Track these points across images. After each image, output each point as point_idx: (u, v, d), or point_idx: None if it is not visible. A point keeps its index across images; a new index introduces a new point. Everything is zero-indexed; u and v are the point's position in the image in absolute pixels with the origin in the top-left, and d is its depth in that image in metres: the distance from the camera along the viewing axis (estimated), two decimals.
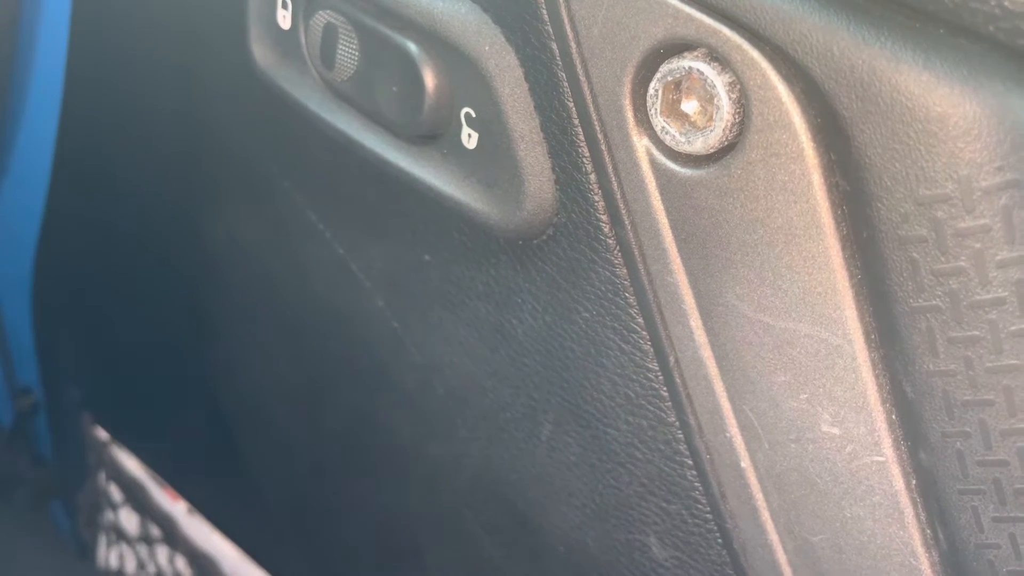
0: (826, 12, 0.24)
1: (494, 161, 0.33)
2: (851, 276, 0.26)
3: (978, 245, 0.23)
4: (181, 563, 0.69)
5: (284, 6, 0.38)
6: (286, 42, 0.38)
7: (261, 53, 0.39)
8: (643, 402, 0.34)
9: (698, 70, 0.26)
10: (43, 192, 0.62)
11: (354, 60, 0.35)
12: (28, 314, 0.71)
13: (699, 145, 0.27)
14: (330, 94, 0.37)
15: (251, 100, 0.42)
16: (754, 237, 0.27)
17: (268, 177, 0.45)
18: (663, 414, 0.33)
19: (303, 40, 0.37)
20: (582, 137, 0.31)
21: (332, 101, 0.37)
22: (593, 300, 0.34)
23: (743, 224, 0.27)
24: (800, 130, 0.25)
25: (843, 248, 0.26)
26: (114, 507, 0.74)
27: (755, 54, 0.25)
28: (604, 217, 0.32)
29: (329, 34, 0.36)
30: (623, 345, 0.33)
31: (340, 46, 0.36)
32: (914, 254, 0.24)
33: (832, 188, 0.25)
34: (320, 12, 0.36)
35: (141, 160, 0.54)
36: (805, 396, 0.28)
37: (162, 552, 0.71)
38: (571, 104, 0.30)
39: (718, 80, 0.26)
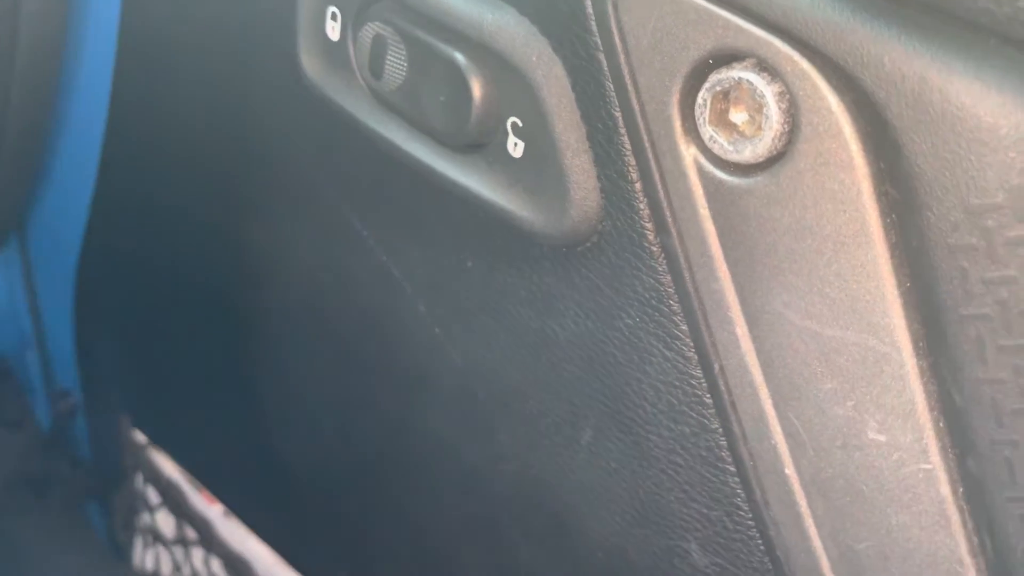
0: (877, 23, 0.24)
1: (540, 170, 0.34)
2: (899, 284, 0.26)
3: None
4: (216, 565, 0.70)
5: (333, 18, 0.39)
6: (335, 53, 0.39)
7: (310, 64, 0.40)
8: (686, 408, 0.34)
9: (748, 80, 0.26)
10: (87, 197, 0.64)
11: (402, 70, 0.36)
12: (68, 318, 0.72)
13: (747, 154, 0.27)
14: (378, 104, 0.38)
15: (299, 109, 0.43)
16: (802, 245, 0.27)
17: (313, 184, 0.46)
18: (706, 421, 0.34)
19: (352, 51, 0.38)
20: (628, 146, 0.31)
21: (380, 111, 0.38)
22: (637, 307, 0.34)
23: (791, 232, 0.27)
24: (850, 139, 0.25)
25: (892, 256, 0.26)
26: (151, 509, 0.75)
27: (805, 65, 0.25)
28: (649, 225, 0.32)
29: (378, 45, 0.37)
30: (666, 352, 0.34)
31: (389, 57, 0.36)
32: (964, 263, 0.24)
33: (882, 196, 0.26)
34: (369, 24, 0.37)
35: (187, 167, 0.55)
36: (852, 403, 0.28)
37: (198, 554, 0.72)
38: (618, 114, 0.31)
39: (768, 90, 0.26)
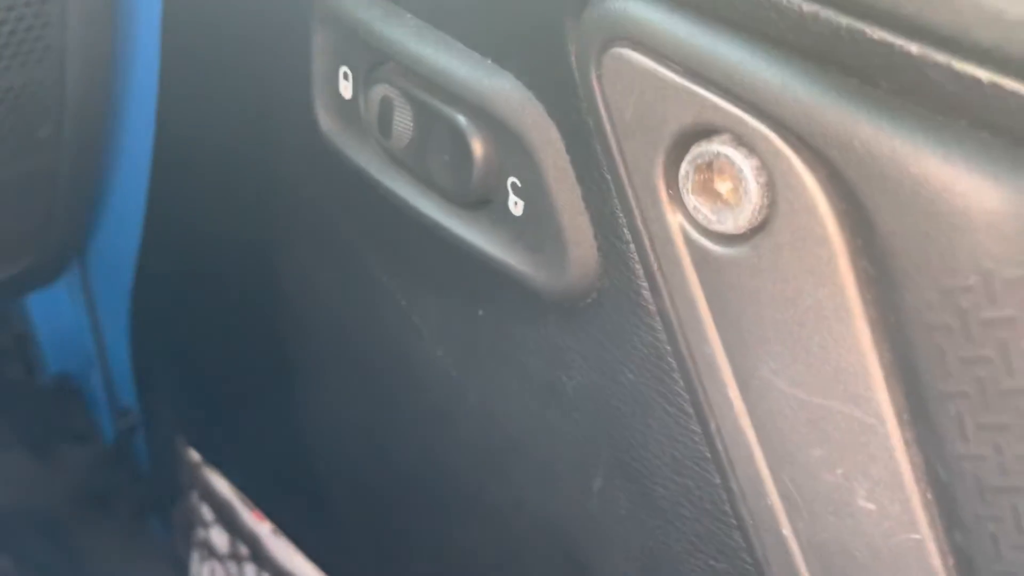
0: (847, 103, 0.24)
1: (540, 228, 0.34)
2: (881, 357, 0.26)
3: (1003, 335, 0.23)
4: None
5: (346, 77, 0.40)
6: (348, 111, 0.40)
7: (325, 120, 0.41)
8: (689, 463, 0.34)
9: (725, 154, 0.27)
10: (139, 225, 0.66)
11: (409, 130, 0.37)
12: (127, 339, 0.75)
13: (730, 225, 0.28)
14: (388, 161, 0.39)
15: (319, 162, 0.45)
16: (785, 316, 0.27)
17: (336, 232, 0.47)
18: (708, 476, 0.34)
19: (363, 109, 0.39)
20: (620, 209, 0.31)
21: (390, 167, 0.39)
22: (637, 363, 0.34)
23: (774, 302, 0.28)
24: (825, 215, 0.25)
25: (872, 330, 0.26)
26: (206, 525, 0.77)
27: (779, 142, 0.25)
28: (644, 285, 0.32)
29: (386, 106, 0.38)
30: (668, 407, 0.34)
31: (396, 116, 0.37)
32: (940, 341, 0.24)
33: (860, 272, 0.25)
34: (378, 85, 0.38)
35: (225, 207, 0.57)
36: (841, 471, 0.28)
37: (250, 569, 0.74)
38: (609, 177, 0.31)
39: (745, 164, 0.26)
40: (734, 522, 0.34)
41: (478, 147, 0.35)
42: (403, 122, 0.37)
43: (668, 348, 0.33)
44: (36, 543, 0.81)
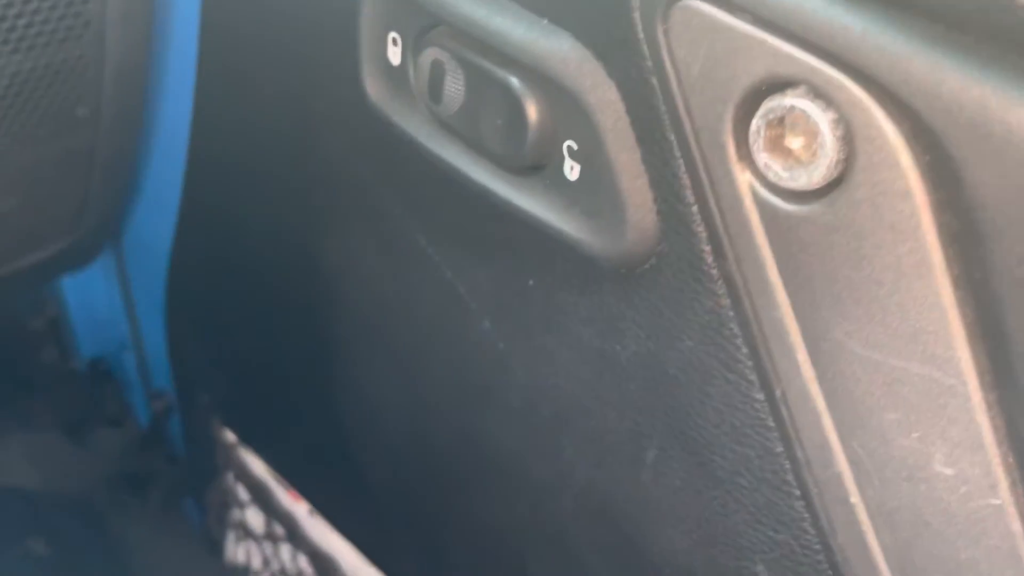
0: (933, 51, 0.23)
1: (596, 192, 0.34)
2: (963, 316, 0.25)
3: None
4: (303, 561, 0.72)
5: (394, 43, 0.39)
6: (396, 77, 0.40)
7: (373, 87, 0.41)
8: (749, 432, 0.34)
9: (800, 108, 0.26)
10: (174, 208, 0.66)
11: (460, 95, 0.37)
12: (162, 321, 0.75)
13: (803, 181, 0.27)
14: (438, 127, 0.39)
15: (364, 131, 0.44)
16: (862, 274, 0.27)
17: (380, 203, 0.46)
18: (770, 444, 0.33)
19: (412, 75, 0.39)
20: (684, 170, 0.31)
21: (440, 134, 0.39)
22: (697, 329, 0.34)
23: (850, 261, 0.27)
24: (907, 169, 0.24)
25: (955, 288, 0.25)
26: (241, 506, 0.77)
27: (859, 93, 0.24)
28: (707, 248, 0.32)
29: (436, 70, 0.37)
30: (728, 375, 0.33)
31: (447, 81, 0.37)
32: None
33: (942, 227, 0.25)
34: (428, 49, 0.37)
35: (263, 182, 0.57)
36: (917, 435, 0.28)
37: (286, 550, 0.75)
38: (672, 137, 0.31)
39: (821, 118, 0.25)
40: (797, 492, 0.33)
41: (533, 110, 0.34)
42: (454, 87, 0.37)
43: (731, 313, 0.32)
44: (70, 526, 0.81)
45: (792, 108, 0.26)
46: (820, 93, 0.26)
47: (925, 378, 0.27)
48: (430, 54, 0.37)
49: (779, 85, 0.26)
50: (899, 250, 0.26)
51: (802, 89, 0.26)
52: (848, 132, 0.25)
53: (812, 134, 0.26)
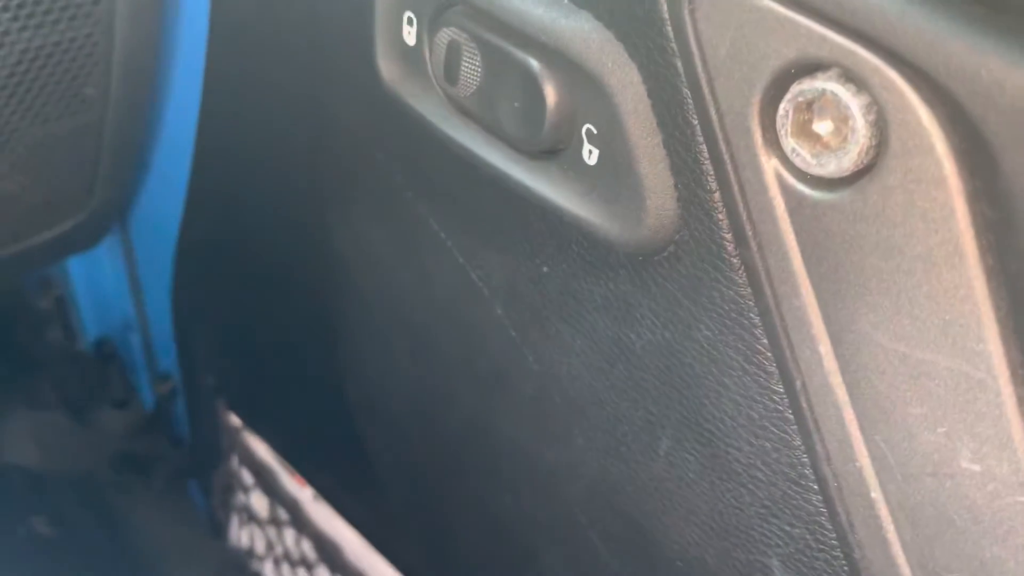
0: (973, 32, 0.22)
1: (615, 177, 0.33)
2: (996, 308, 0.24)
3: None
4: (307, 546, 0.72)
5: (409, 23, 0.38)
6: (411, 58, 0.39)
7: (387, 68, 0.40)
8: (767, 424, 0.33)
9: (831, 91, 0.25)
10: (183, 189, 0.66)
11: (477, 76, 0.36)
12: (168, 303, 0.75)
13: (832, 168, 0.26)
14: (453, 109, 0.38)
15: (377, 113, 0.43)
16: (890, 264, 0.26)
17: (392, 186, 0.46)
18: (788, 437, 0.33)
19: (428, 56, 0.38)
20: (706, 155, 0.30)
21: (455, 116, 0.38)
22: (715, 319, 0.33)
23: (879, 250, 0.26)
24: (942, 155, 0.24)
25: (988, 279, 0.24)
26: (245, 490, 0.77)
27: (894, 76, 0.24)
28: (728, 236, 0.31)
29: (453, 51, 0.36)
30: (746, 366, 0.33)
31: (464, 62, 0.36)
32: None
33: (977, 216, 0.24)
34: (444, 29, 0.36)
35: (274, 163, 0.56)
36: (943, 430, 0.27)
37: (289, 534, 0.74)
38: (695, 122, 0.30)
39: (853, 102, 0.25)
40: (815, 486, 0.32)
41: (551, 93, 0.33)
42: (471, 68, 0.36)
43: (751, 303, 0.31)
44: (73, 507, 0.81)
45: (823, 92, 0.25)
46: (852, 76, 0.25)
47: (954, 372, 0.26)
48: (446, 34, 0.36)
49: (810, 68, 0.26)
50: (931, 240, 0.25)
51: (833, 72, 0.25)
52: (881, 117, 0.25)
53: (843, 119, 0.25)
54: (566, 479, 0.44)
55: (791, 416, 0.32)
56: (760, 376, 0.32)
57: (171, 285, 0.73)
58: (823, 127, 0.26)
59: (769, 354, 0.32)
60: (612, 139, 0.32)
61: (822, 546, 0.33)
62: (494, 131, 0.36)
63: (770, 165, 0.28)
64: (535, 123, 0.34)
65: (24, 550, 0.76)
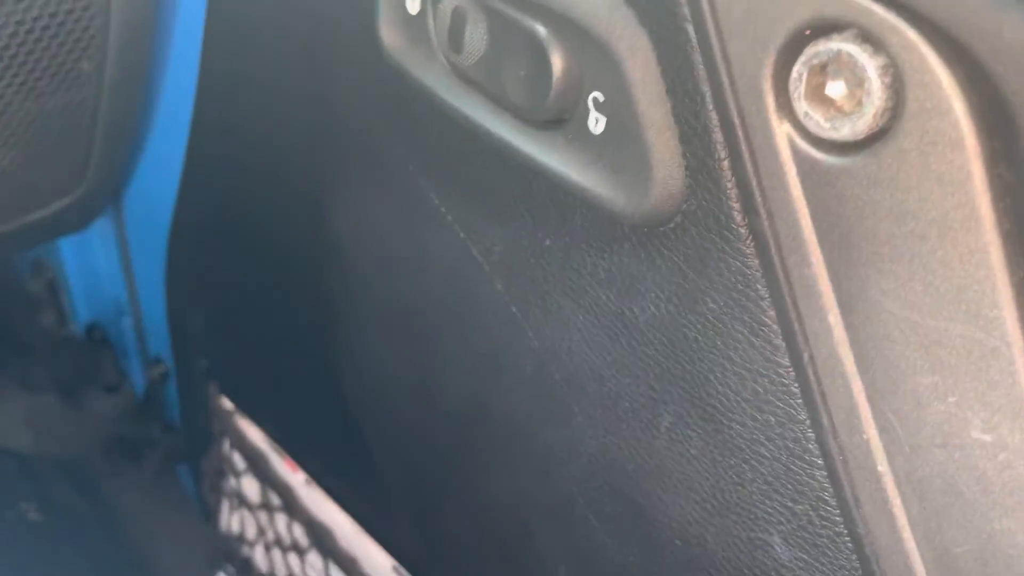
0: None
1: (622, 147, 0.33)
2: (1012, 274, 0.24)
3: None
4: (299, 531, 0.72)
5: None
6: (414, 27, 0.38)
7: (390, 37, 0.39)
8: (772, 398, 0.33)
9: (848, 52, 0.25)
10: (178, 170, 0.65)
11: (482, 44, 0.35)
12: (161, 287, 0.74)
13: (846, 131, 0.26)
14: (456, 79, 0.37)
15: (378, 84, 0.43)
16: (904, 230, 0.26)
17: (392, 159, 0.45)
18: (793, 411, 0.32)
19: (431, 24, 0.37)
20: (716, 122, 0.30)
21: (458, 86, 0.37)
22: (721, 291, 0.33)
23: (892, 215, 0.26)
24: (961, 116, 0.23)
25: (1004, 244, 0.24)
26: (237, 474, 0.76)
27: (913, 35, 0.23)
28: (737, 205, 0.30)
29: (457, 18, 0.36)
30: (752, 339, 0.32)
31: (468, 30, 0.36)
32: None
33: (995, 179, 0.23)
34: None
35: (271, 141, 0.56)
36: (954, 399, 0.26)
37: (281, 520, 0.74)
38: (705, 88, 0.29)
39: (869, 63, 0.24)
40: (819, 461, 0.32)
41: (558, 60, 0.33)
42: (475, 36, 0.36)
43: (759, 273, 0.31)
44: (64, 491, 0.81)
45: (838, 53, 0.25)
46: (869, 37, 0.24)
47: (967, 339, 0.25)
48: (451, 1, 0.36)
49: (825, 28, 0.25)
50: (946, 204, 0.24)
51: (849, 33, 0.25)
52: (897, 79, 0.24)
53: (858, 81, 0.25)
54: (564, 458, 0.44)
55: (797, 389, 0.32)
56: (766, 349, 0.32)
57: (164, 268, 0.73)
58: (837, 90, 0.26)
59: (776, 326, 0.31)
60: (619, 107, 0.32)
61: (825, 522, 0.33)
62: (499, 100, 0.36)
63: (782, 130, 0.27)
64: (541, 91, 0.34)
65: (13, 534, 0.76)
